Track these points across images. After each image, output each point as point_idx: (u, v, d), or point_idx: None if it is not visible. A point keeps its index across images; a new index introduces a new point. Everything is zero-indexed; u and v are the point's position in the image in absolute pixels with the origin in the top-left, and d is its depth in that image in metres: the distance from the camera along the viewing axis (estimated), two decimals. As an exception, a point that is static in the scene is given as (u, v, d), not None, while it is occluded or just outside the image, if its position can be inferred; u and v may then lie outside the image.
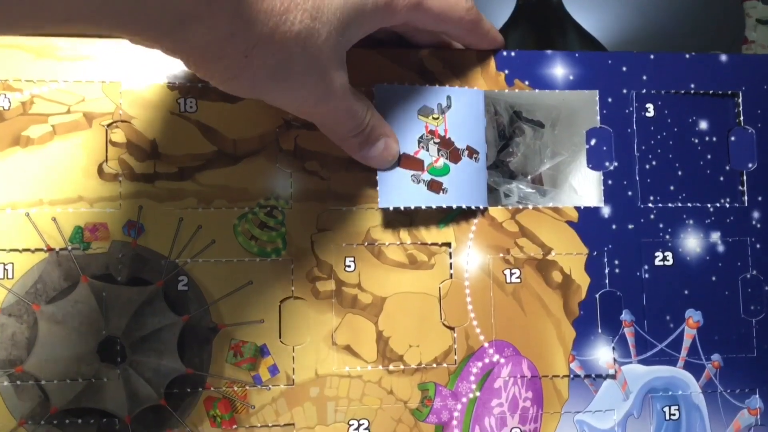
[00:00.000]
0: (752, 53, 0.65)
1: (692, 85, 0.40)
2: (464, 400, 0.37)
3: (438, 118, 0.37)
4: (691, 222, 0.40)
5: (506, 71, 0.39)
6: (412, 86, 0.37)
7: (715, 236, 0.40)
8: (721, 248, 0.40)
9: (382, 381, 0.37)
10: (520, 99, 0.41)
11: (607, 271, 0.39)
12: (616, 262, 0.39)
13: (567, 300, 0.38)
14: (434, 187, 0.37)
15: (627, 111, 0.40)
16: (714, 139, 0.40)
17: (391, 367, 0.37)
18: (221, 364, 0.35)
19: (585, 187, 0.41)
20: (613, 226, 0.39)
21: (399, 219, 0.37)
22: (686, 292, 0.39)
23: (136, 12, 0.24)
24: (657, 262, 0.39)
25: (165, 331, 0.35)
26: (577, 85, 0.39)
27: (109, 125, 0.35)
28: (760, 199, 0.40)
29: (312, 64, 0.29)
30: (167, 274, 0.35)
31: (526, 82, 0.39)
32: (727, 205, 0.40)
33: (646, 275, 0.39)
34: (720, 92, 0.41)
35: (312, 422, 0.36)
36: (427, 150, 0.37)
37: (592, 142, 0.39)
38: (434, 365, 0.37)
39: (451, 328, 0.37)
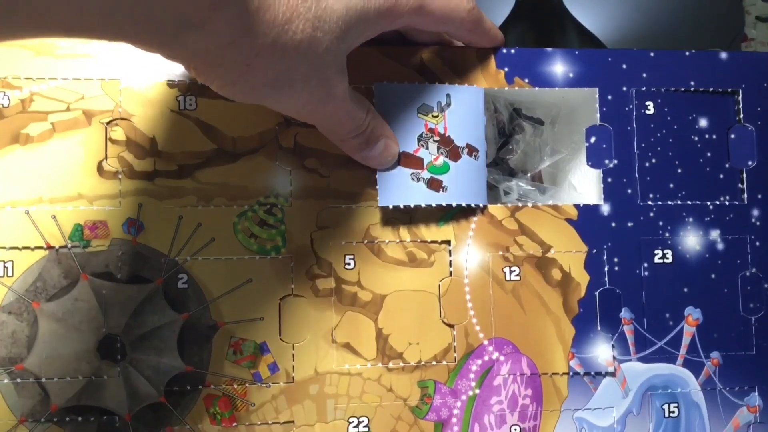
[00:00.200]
0: (752, 51, 0.65)
1: (692, 83, 0.40)
2: (464, 397, 0.37)
3: (438, 116, 0.37)
4: (690, 220, 0.40)
5: (506, 69, 0.39)
6: (412, 84, 0.37)
7: (715, 234, 0.40)
8: (720, 246, 0.40)
9: (382, 378, 0.37)
10: (520, 96, 0.41)
11: (606, 268, 0.39)
12: (616, 259, 0.39)
13: (566, 298, 0.38)
14: (434, 185, 0.37)
15: (627, 108, 0.40)
16: (714, 136, 0.40)
17: (390, 365, 0.37)
18: (221, 361, 0.35)
19: (584, 185, 0.41)
20: (613, 224, 0.39)
21: (399, 217, 0.37)
22: (686, 289, 0.39)
23: (138, 22, 0.24)
24: (656, 260, 0.39)
25: (165, 328, 0.35)
26: (577, 83, 0.39)
27: (108, 123, 0.35)
28: (759, 196, 0.40)
29: (313, 71, 0.29)
30: (167, 271, 0.35)
31: (526, 80, 0.39)
32: (727, 203, 0.40)
33: (646, 273, 0.39)
34: (720, 90, 0.41)
35: (312, 420, 0.36)
36: (427, 148, 0.37)
37: (592, 139, 0.39)
38: (434, 363, 0.37)
39: (451, 326, 0.37)
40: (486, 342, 0.37)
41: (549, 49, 0.39)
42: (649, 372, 0.39)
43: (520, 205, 0.39)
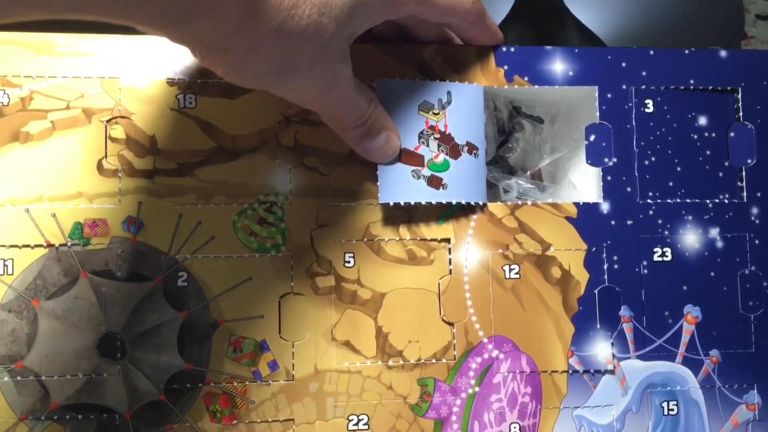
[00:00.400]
0: (752, 49, 0.65)
1: (692, 81, 0.40)
2: (463, 395, 0.37)
3: (438, 114, 0.37)
4: (690, 218, 0.40)
5: (506, 67, 0.39)
6: (413, 81, 0.37)
7: (714, 232, 0.40)
8: (719, 244, 0.40)
9: (382, 376, 0.37)
10: (520, 95, 0.41)
11: (606, 266, 0.39)
12: (615, 257, 0.39)
13: (566, 296, 0.38)
14: (434, 182, 0.37)
15: (626, 107, 0.40)
16: (713, 134, 0.40)
17: (390, 363, 0.37)
18: (221, 359, 0.35)
19: (584, 183, 0.41)
20: (612, 222, 0.39)
21: (398, 215, 0.37)
22: (685, 287, 0.39)
23: (144, 4, 0.24)
24: (656, 258, 0.39)
25: (165, 326, 0.35)
26: (577, 81, 0.39)
27: (108, 121, 0.35)
28: (759, 195, 0.40)
29: (317, 57, 0.29)
30: (167, 269, 0.35)
31: (526, 78, 0.39)
32: (726, 201, 0.40)
33: (645, 271, 0.39)
34: (719, 88, 0.41)
35: (311, 417, 0.36)
36: (428, 145, 0.37)
37: (592, 137, 0.39)
38: (433, 361, 0.37)
39: (451, 324, 0.37)
40: (486, 340, 0.38)
41: (549, 47, 0.39)
42: (649, 370, 0.39)
43: (519, 203, 0.39)
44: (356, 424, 0.36)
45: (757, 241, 0.40)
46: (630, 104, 0.40)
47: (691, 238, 0.40)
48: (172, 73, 0.36)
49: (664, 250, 0.39)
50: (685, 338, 0.39)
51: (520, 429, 0.37)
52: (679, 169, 0.40)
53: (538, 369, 0.38)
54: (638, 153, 0.40)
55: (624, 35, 0.62)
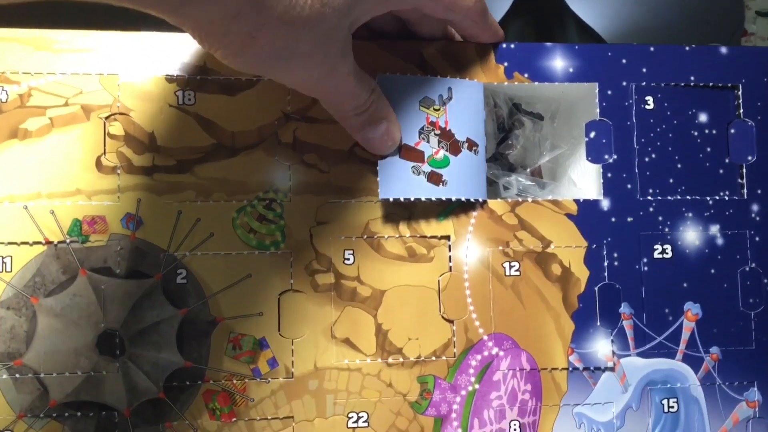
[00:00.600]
0: (752, 45, 0.65)
1: (692, 78, 0.40)
2: (463, 392, 0.37)
3: (439, 110, 0.37)
4: (690, 215, 0.40)
5: (506, 64, 0.39)
6: (414, 77, 0.37)
7: (714, 229, 0.40)
8: (720, 241, 0.40)
9: (381, 374, 0.37)
10: (520, 91, 0.41)
11: (606, 263, 0.39)
12: (615, 254, 0.39)
13: (566, 293, 0.38)
14: (434, 179, 0.36)
15: (626, 103, 0.40)
16: (713, 131, 0.40)
17: (390, 360, 0.37)
18: (220, 357, 0.35)
19: (584, 180, 0.41)
20: (613, 219, 0.39)
21: (398, 212, 0.37)
22: (685, 284, 0.39)
23: None
24: (656, 255, 0.39)
25: (164, 324, 0.35)
26: (577, 78, 0.39)
27: (107, 118, 0.35)
28: (759, 191, 0.40)
29: (317, 47, 0.29)
30: (166, 267, 0.35)
31: (526, 75, 0.39)
32: (727, 198, 0.40)
33: (645, 268, 0.39)
34: (720, 85, 0.40)
35: (311, 415, 0.36)
36: (428, 141, 0.37)
37: (592, 134, 0.39)
38: (433, 358, 0.37)
39: (451, 321, 0.37)
40: (485, 337, 0.37)
41: (549, 44, 0.39)
42: (649, 367, 0.39)
43: (519, 200, 0.38)
44: (356, 421, 0.36)
45: (757, 238, 0.40)
46: (630, 101, 0.40)
47: (691, 235, 0.40)
48: (171, 70, 0.36)
49: (665, 247, 0.39)
50: (685, 335, 0.39)
51: (520, 426, 0.37)
52: (679, 166, 0.40)
53: (538, 366, 0.38)
54: (638, 150, 0.39)
55: (624, 32, 0.62)
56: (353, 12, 0.30)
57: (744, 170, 0.40)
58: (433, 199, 0.36)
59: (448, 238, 0.38)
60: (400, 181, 0.36)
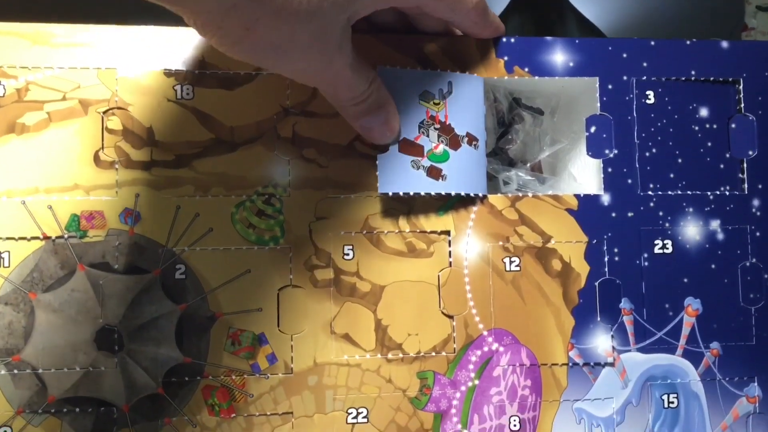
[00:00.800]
0: (752, 40, 0.65)
1: (693, 72, 0.40)
2: (463, 388, 0.37)
3: (439, 104, 0.37)
4: (690, 210, 0.39)
5: (506, 58, 0.39)
6: (414, 71, 0.37)
7: (715, 224, 0.40)
8: (720, 236, 0.40)
9: (381, 369, 0.36)
10: (520, 86, 0.41)
11: (606, 259, 0.39)
12: (616, 250, 0.39)
13: (566, 288, 0.38)
14: (434, 173, 0.36)
15: (627, 98, 0.39)
16: (714, 126, 0.40)
17: (389, 356, 0.37)
18: (219, 352, 0.35)
19: (584, 175, 0.41)
20: (613, 214, 0.39)
21: (398, 207, 0.37)
22: (685, 280, 0.39)
23: None
24: (656, 250, 0.39)
25: (162, 319, 0.35)
26: (577, 72, 0.39)
27: (105, 112, 0.35)
28: (760, 186, 0.40)
29: (314, 41, 0.29)
30: (164, 262, 0.35)
31: (526, 69, 0.39)
32: (727, 193, 0.40)
33: (646, 263, 0.39)
34: (721, 79, 0.40)
35: (310, 411, 0.36)
36: (428, 136, 0.36)
37: (592, 129, 0.39)
38: (433, 354, 0.37)
39: (450, 317, 0.37)
40: (485, 333, 0.37)
41: (549, 38, 0.39)
42: (649, 362, 0.39)
43: (520, 195, 0.38)
44: (355, 417, 0.36)
45: (758, 233, 0.40)
46: (631, 95, 0.39)
47: (691, 230, 0.39)
48: (170, 64, 0.36)
49: (665, 242, 0.39)
50: (685, 331, 0.39)
51: (519, 422, 0.37)
52: (680, 160, 0.40)
53: (538, 362, 0.38)
54: (639, 144, 0.39)
55: (624, 26, 0.61)
56: (352, 6, 0.30)
57: (745, 165, 0.40)
58: (433, 193, 0.36)
59: (448, 233, 0.37)
60: (400, 175, 0.36)
